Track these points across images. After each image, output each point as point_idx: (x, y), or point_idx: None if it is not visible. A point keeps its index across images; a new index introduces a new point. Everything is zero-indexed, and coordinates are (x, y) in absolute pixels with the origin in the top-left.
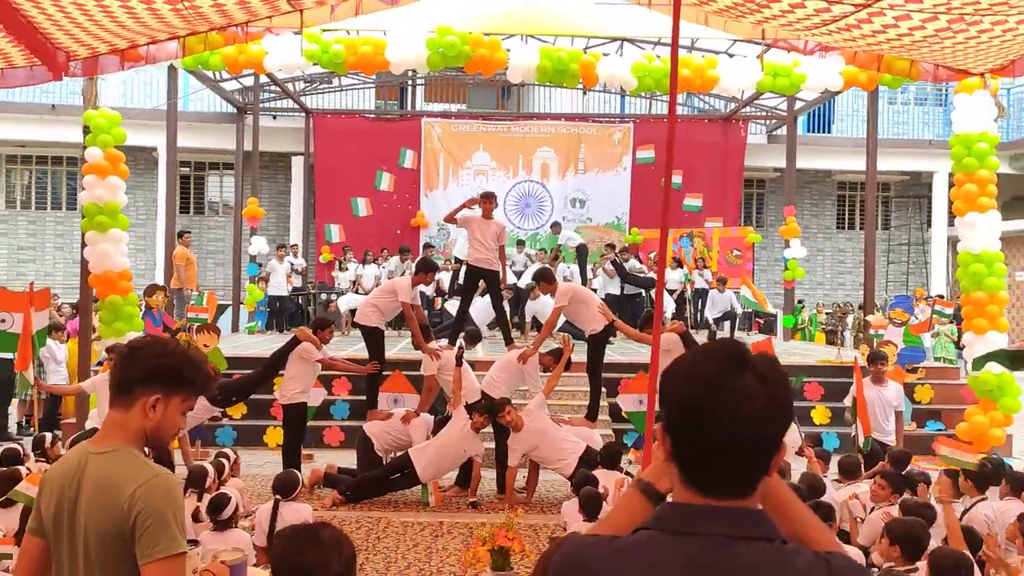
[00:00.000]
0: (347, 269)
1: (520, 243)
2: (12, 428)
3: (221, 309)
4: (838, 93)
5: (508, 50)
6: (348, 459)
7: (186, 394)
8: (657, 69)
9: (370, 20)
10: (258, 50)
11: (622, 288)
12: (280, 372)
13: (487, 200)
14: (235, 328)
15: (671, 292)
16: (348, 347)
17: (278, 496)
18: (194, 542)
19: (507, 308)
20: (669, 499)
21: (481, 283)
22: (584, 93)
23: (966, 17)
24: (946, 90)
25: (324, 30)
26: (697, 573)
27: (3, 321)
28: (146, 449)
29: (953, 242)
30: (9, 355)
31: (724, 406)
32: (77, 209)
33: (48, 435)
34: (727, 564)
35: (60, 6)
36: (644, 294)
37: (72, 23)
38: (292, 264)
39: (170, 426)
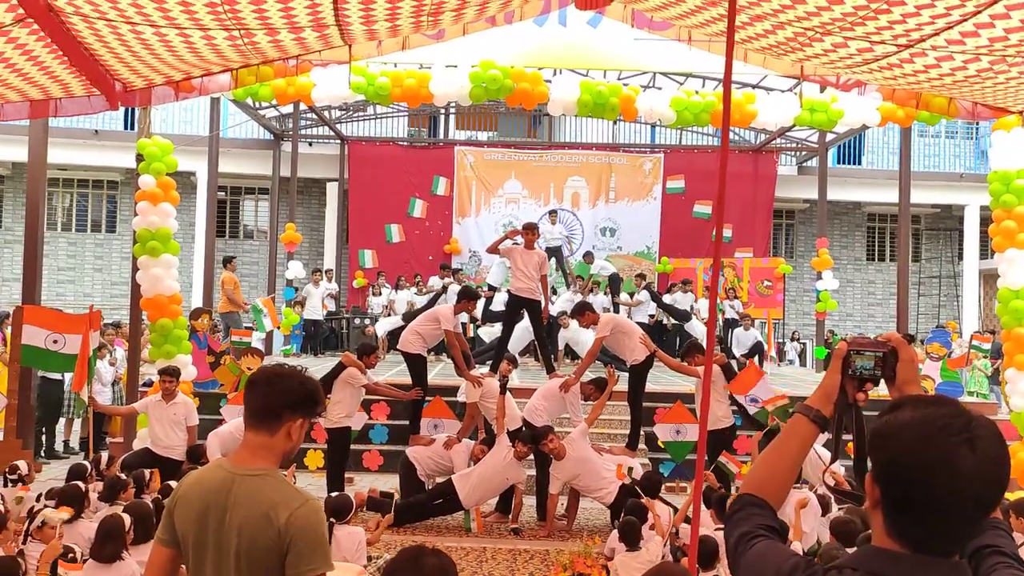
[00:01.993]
0: (380, 294)
1: (552, 213)
2: (59, 447)
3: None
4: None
5: (549, 83)
6: (387, 483)
7: (313, 417)
8: (695, 104)
9: (414, 53)
10: (306, 82)
11: (651, 317)
12: (326, 397)
13: (529, 231)
14: (269, 351)
15: (702, 321)
16: (385, 371)
17: (332, 519)
18: None
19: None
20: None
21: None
22: (614, 123)
23: (1008, 59)
24: (977, 124)
25: (370, 62)
26: None
27: (56, 342)
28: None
29: (985, 275)
30: (58, 376)
31: (948, 489)
32: (116, 231)
33: (104, 455)
34: None
35: (120, 35)
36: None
37: (131, 54)
38: (327, 289)
39: (298, 445)
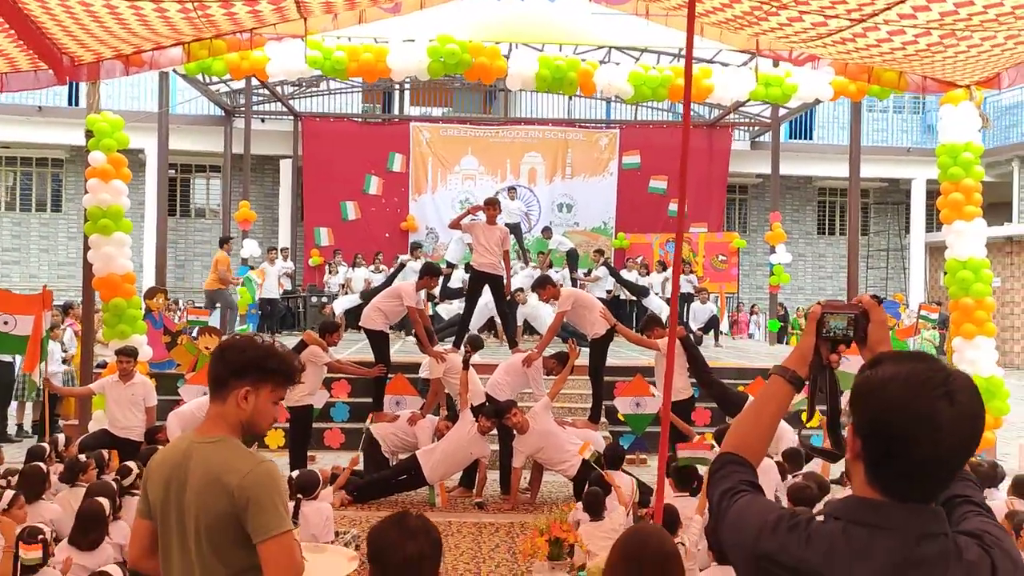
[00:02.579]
0: (337, 272)
1: (511, 189)
2: (12, 430)
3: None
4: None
5: (507, 57)
6: (348, 460)
7: (273, 384)
8: (653, 78)
9: (370, 27)
10: (261, 56)
11: (608, 292)
12: None
13: (491, 207)
14: (224, 331)
15: (658, 295)
16: (345, 349)
17: (299, 495)
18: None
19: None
20: (846, 493)
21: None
22: (570, 99)
23: (957, 32)
24: (923, 98)
25: (326, 36)
26: (895, 563)
27: (6, 324)
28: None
29: (931, 247)
30: (8, 358)
31: (929, 441)
32: (62, 210)
33: (61, 436)
34: (917, 557)
35: (68, 8)
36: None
37: (80, 28)
38: (283, 267)
39: (263, 415)
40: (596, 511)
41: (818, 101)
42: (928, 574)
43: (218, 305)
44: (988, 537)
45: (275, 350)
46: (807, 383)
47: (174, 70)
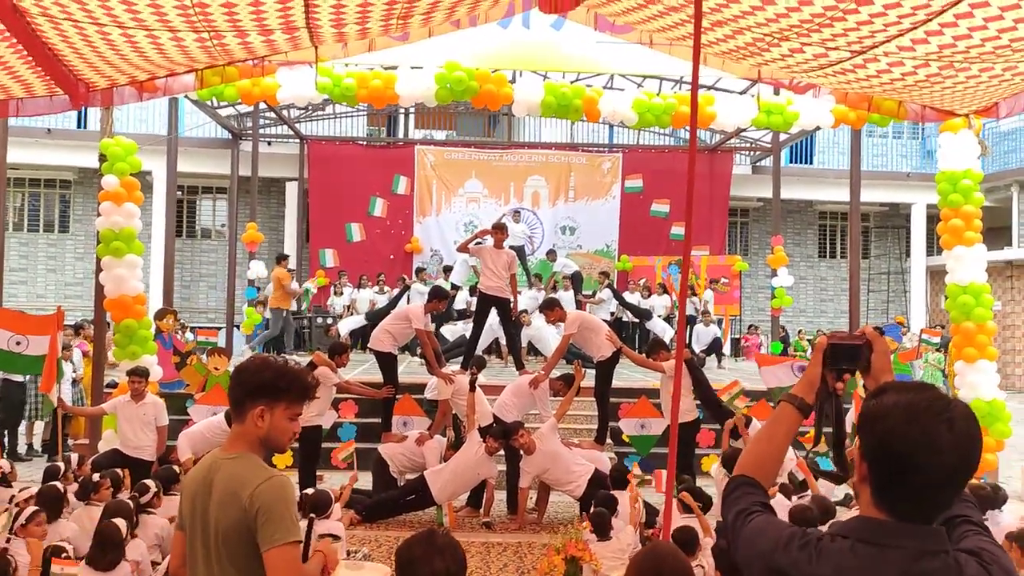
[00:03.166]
0: (342, 293)
1: (516, 212)
2: (22, 449)
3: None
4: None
5: (512, 83)
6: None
7: (287, 402)
8: (657, 106)
9: (379, 55)
10: (272, 83)
11: (612, 314)
12: None
13: (498, 231)
14: (230, 351)
15: (661, 318)
16: (352, 370)
17: (312, 515)
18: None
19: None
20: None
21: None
22: (573, 123)
23: (955, 64)
24: (923, 124)
25: (335, 63)
26: None
27: (19, 344)
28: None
29: (932, 271)
30: (20, 377)
31: (930, 464)
32: (69, 231)
33: (75, 455)
34: (920, 572)
35: (85, 36)
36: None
37: (96, 54)
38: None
39: (280, 431)
40: (603, 531)
41: (819, 128)
42: None
43: (268, 320)
44: (986, 554)
45: (287, 369)
46: (814, 409)
47: (185, 95)
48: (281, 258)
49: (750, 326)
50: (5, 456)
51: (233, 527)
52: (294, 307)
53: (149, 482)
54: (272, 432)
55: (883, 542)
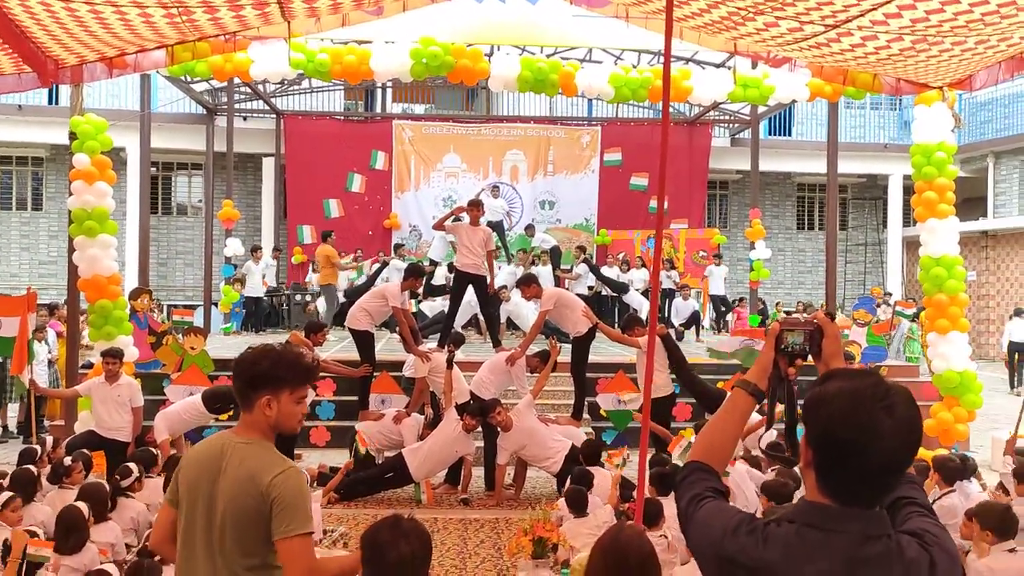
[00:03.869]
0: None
1: (494, 188)
2: (13, 429)
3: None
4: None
5: (489, 58)
6: (335, 458)
7: (291, 388)
8: (633, 80)
9: (353, 30)
10: (244, 58)
11: (589, 288)
12: None
13: (474, 208)
14: (208, 330)
15: (639, 291)
16: (330, 348)
17: None
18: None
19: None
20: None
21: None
22: (551, 97)
23: (929, 38)
24: (900, 96)
25: (308, 38)
26: (843, 563)
27: None
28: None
29: (908, 242)
30: None
31: (872, 450)
32: (43, 209)
33: (50, 438)
34: (863, 556)
35: (53, 13)
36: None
37: (64, 31)
38: (268, 265)
39: (288, 416)
40: (579, 508)
41: (795, 101)
42: (873, 572)
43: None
44: (928, 536)
45: (283, 357)
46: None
47: (157, 71)
48: (326, 236)
49: (739, 299)
50: None
51: (246, 511)
52: (273, 284)
53: (132, 466)
54: (281, 418)
55: (828, 527)
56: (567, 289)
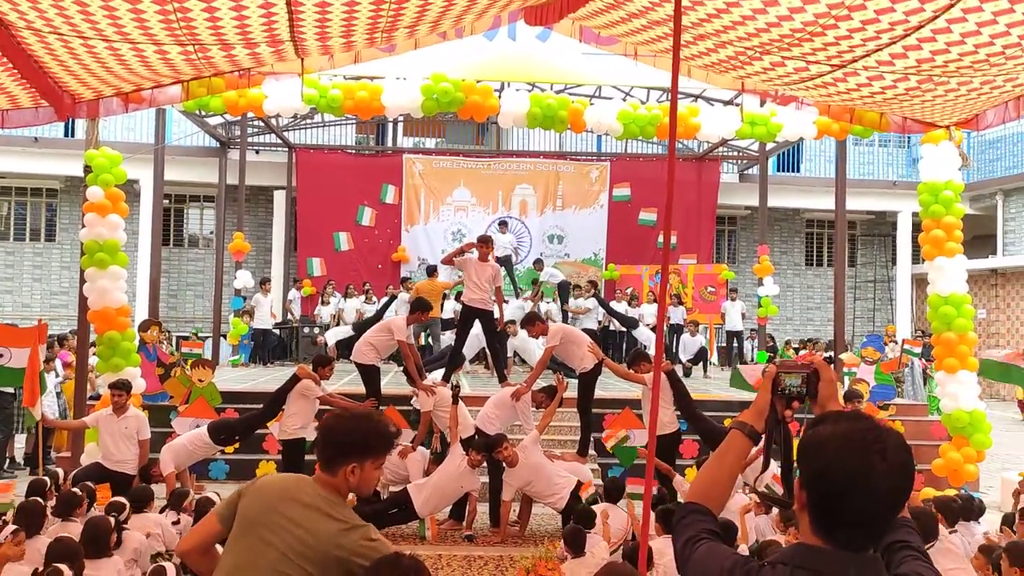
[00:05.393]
0: (329, 303)
1: (503, 223)
2: (20, 460)
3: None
4: None
5: (498, 93)
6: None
7: (374, 457)
8: (642, 117)
9: (365, 66)
10: (258, 94)
11: (599, 323)
12: (280, 409)
13: (483, 244)
14: (216, 361)
15: (648, 327)
16: (337, 381)
17: None
18: None
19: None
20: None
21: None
22: (560, 132)
23: (935, 78)
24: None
25: (321, 74)
26: None
27: (0, 356)
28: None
29: (917, 279)
30: (9, 389)
31: (865, 493)
32: (56, 240)
33: (60, 471)
34: None
35: (71, 49)
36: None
37: (81, 66)
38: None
39: (367, 483)
40: (577, 547)
41: (802, 139)
42: None
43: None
44: None
45: (376, 428)
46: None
47: (172, 105)
48: (431, 270)
49: (751, 332)
50: None
51: (304, 554)
52: (280, 318)
53: (123, 499)
54: (361, 484)
55: (821, 570)
56: (575, 323)
